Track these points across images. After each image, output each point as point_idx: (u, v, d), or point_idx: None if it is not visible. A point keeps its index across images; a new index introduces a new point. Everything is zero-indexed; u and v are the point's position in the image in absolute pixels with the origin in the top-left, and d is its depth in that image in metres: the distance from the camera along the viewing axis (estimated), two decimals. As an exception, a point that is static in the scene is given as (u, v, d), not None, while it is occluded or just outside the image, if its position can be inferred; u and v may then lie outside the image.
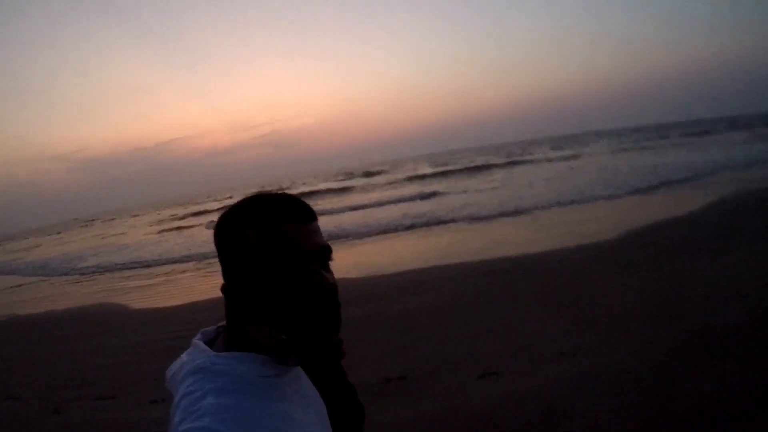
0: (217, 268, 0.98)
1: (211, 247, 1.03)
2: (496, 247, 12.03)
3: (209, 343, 0.95)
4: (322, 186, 45.39)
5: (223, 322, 0.98)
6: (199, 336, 0.97)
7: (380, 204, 25.59)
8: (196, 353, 0.91)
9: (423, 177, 38.97)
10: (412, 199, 25.91)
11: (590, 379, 4.51)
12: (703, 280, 6.89)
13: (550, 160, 40.64)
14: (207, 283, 13.50)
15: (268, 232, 0.90)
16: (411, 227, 17.04)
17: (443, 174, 38.75)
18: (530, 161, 42.70)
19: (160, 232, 32.98)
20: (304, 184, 59.11)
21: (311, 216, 0.96)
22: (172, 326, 8.76)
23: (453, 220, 17.22)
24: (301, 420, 0.89)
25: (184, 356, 0.93)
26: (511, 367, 5.09)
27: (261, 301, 0.89)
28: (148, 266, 18.45)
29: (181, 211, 50.04)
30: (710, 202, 13.59)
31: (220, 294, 0.96)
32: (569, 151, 51.73)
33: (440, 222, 17.19)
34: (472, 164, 46.05)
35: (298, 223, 0.93)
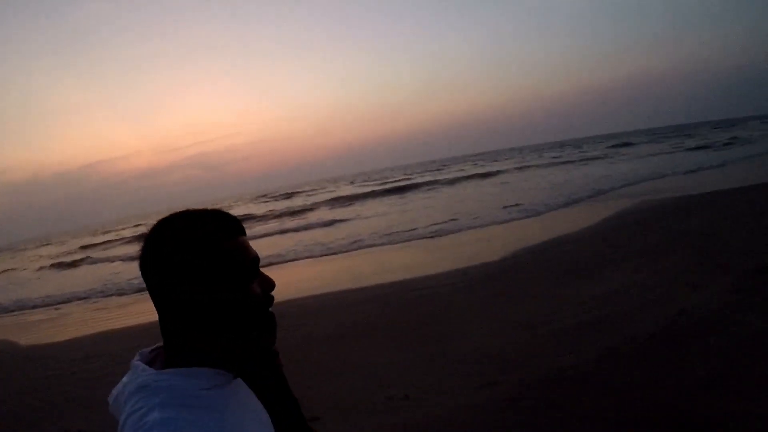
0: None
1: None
2: (383, 273, 11.49)
3: (148, 363, 0.96)
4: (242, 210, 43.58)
5: (159, 344, 1.00)
6: (137, 357, 0.98)
7: (282, 231, 24.53)
8: (136, 373, 0.93)
9: (336, 200, 37.40)
10: (313, 227, 24.72)
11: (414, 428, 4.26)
12: (572, 310, 6.59)
13: (466, 178, 40.06)
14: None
15: (211, 248, 0.93)
16: (308, 257, 16.30)
17: (356, 197, 37.18)
18: (434, 184, 40.56)
19: (52, 266, 30.59)
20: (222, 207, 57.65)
21: (242, 229, 1.01)
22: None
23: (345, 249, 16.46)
24: (243, 428, 0.94)
25: (124, 379, 0.94)
26: (330, 414, 4.75)
27: (198, 315, 0.92)
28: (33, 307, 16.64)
29: (89, 240, 47.19)
30: (606, 218, 13.58)
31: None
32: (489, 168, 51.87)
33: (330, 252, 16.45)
34: (387, 185, 44.83)
35: (235, 236, 0.97)
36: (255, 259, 0.99)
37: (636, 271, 7.71)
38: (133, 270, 22.51)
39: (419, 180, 45.40)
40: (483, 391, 4.73)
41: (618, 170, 28.57)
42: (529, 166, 45.07)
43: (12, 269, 35.99)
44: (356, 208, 29.96)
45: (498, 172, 41.89)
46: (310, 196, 52.67)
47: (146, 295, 0.99)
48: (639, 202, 15.32)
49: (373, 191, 38.79)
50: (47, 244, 65.00)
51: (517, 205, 18.86)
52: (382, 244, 15.62)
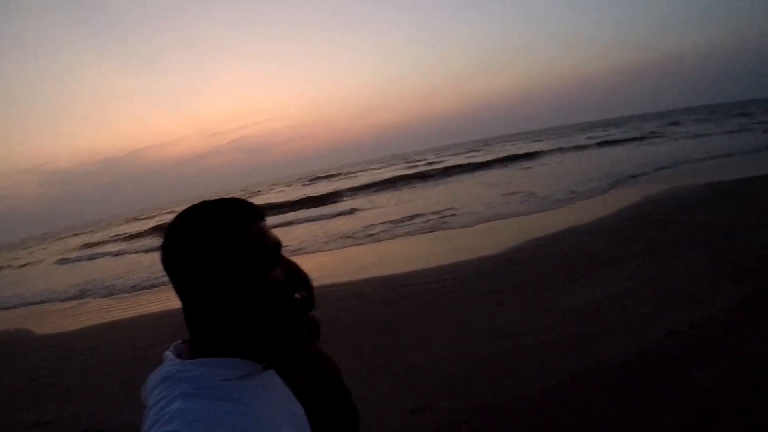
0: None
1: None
2: (377, 266, 11.00)
3: (178, 355, 0.97)
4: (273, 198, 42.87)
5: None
6: (170, 349, 0.99)
7: (285, 224, 23.61)
8: (164, 364, 0.94)
9: (362, 187, 35.87)
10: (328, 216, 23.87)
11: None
12: (552, 321, 5.84)
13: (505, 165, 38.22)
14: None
15: (228, 236, 0.93)
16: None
17: (378, 184, 35.36)
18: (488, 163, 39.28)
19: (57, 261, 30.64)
20: (258, 192, 59.35)
21: (259, 215, 1.00)
22: None
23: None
24: (267, 420, 0.92)
25: (156, 370, 0.95)
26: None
27: (220, 305, 0.93)
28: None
29: (127, 229, 47.48)
30: (623, 207, 12.48)
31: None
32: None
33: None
34: (411, 170, 43.50)
35: (252, 223, 0.97)
36: (275, 244, 0.99)
37: (635, 276, 6.81)
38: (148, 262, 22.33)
39: (447, 164, 43.73)
40: (412, 417, 4.14)
41: (656, 152, 26.98)
42: (563, 148, 42.94)
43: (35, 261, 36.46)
44: (376, 197, 28.82)
45: (535, 154, 39.86)
46: (333, 181, 52.19)
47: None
48: (666, 189, 14.13)
49: (395, 177, 37.32)
50: (89, 231, 65.97)
51: (532, 194, 17.74)
52: (388, 237, 14.86)
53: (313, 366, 1.19)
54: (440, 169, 37.72)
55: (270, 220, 1.03)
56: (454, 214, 16.45)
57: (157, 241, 28.45)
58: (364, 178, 44.65)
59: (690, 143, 29.71)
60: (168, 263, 0.96)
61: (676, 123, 60.12)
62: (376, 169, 62.66)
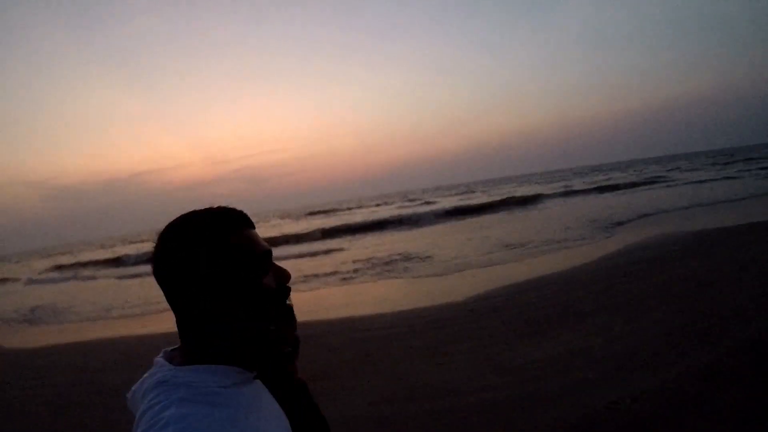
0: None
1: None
2: (342, 307, 10.55)
3: (169, 361, 0.96)
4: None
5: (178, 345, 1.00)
6: (160, 355, 0.98)
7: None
8: (156, 370, 0.94)
9: (339, 228, 34.36)
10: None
11: None
12: (494, 380, 5.38)
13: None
14: None
15: (217, 243, 0.93)
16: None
17: (357, 228, 33.47)
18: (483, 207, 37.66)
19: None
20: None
21: (250, 223, 1.01)
22: None
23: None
24: (260, 427, 0.92)
25: (145, 375, 0.95)
26: None
27: (220, 311, 0.92)
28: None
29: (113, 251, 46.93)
30: (603, 256, 11.89)
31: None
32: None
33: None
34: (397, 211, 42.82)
35: (241, 229, 0.97)
36: (266, 251, 0.98)
37: (596, 333, 6.25)
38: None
39: (442, 205, 42.97)
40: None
41: (649, 197, 26.46)
42: (564, 192, 42.43)
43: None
44: (363, 237, 28.08)
45: (532, 198, 38.91)
46: (327, 217, 51.85)
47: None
48: (652, 236, 13.56)
49: (386, 218, 35.97)
50: (82, 250, 65.39)
51: (511, 242, 17.15)
52: (358, 279, 14.32)
53: (289, 378, 1.20)
54: (433, 211, 36.78)
55: None
56: (429, 258, 15.94)
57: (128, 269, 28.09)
58: (357, 216, 44.17)
59: (685, 189, 29.23)
60: (158, 269, 0.96)
61: (676, 168, 59.74)
62: (373, 205, 62.30)
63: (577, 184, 50.77)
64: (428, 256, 16.40)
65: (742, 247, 9.84)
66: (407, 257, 16.91)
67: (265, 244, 1.00)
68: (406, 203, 56.51)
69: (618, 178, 53.22)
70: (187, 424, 0.82)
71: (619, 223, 18.10)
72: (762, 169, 37.90)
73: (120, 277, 24.54)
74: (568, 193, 40.90)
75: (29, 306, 18.34)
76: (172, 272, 0.94)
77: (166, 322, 11.12)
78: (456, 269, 13.46)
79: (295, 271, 17.14)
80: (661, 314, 6.53)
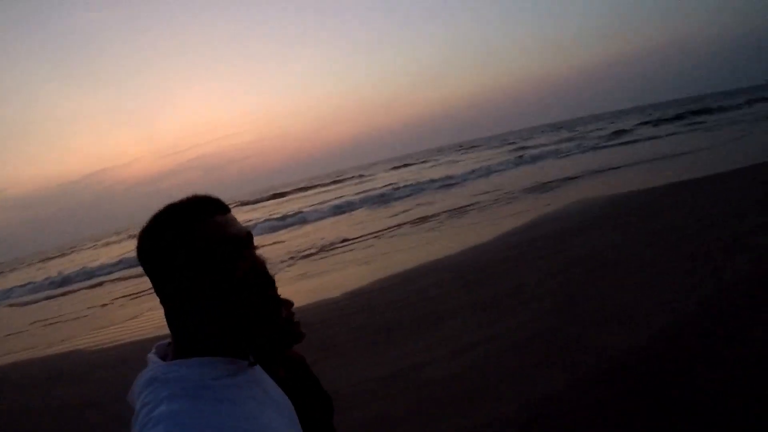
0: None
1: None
2: None
3: (163, 357, 0.98)
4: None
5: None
6: (153, 350, 0.99)
7: None
8: (148, 366, 0.95)
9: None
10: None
11: None
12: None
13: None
14: None
15: (205, 227, 0.93)
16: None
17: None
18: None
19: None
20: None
21: (225, 208, 1.00)
22: None
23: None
24: (258, 415, 0.92)
25: (140, 373, 0.95)
26: None
27: (202, 300, 0.92)
28: None
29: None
30: (510, 230, 10.74)
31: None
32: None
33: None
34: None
35: (224, 213, 0.98)
36: (237, 235, 0.96)
37: (445, 341, 5.28)
38: None
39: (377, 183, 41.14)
40: None
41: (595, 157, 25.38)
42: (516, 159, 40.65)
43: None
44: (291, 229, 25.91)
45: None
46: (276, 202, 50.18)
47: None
48: (570, 203, 12.45)
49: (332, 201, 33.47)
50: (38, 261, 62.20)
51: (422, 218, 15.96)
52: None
53: (287, 358, 1.23)
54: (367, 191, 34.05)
55: None
56: (335, 248, 14.70)
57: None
58: (304, 201, 42.12)
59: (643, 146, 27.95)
60: (142, 261, 0.97)
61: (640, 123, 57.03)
62: (321, 186, 60.24)
63: (532, 146, 49.24)
64: (343, 245, 15.13)
65: (657, 215, 8.79)
66: (320, 247, 15.58)
67: (239, 228, 0.98)
68: (351, 182, 54.57)
69: (575, 136, 51.39)
70: (179, 421, 0.82)
71: (547, 188, 17.02)
72: (716, 123, 36.50)
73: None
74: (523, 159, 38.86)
75: None
76: (153, 264, 0.95)
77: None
78: (351, 257, 12.33)
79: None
80: (530, 314, 5.48)
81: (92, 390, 6.67)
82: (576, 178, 18.04)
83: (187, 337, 0.94)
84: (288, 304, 1.29)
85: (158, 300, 0.98)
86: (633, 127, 43.69)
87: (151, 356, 0.97)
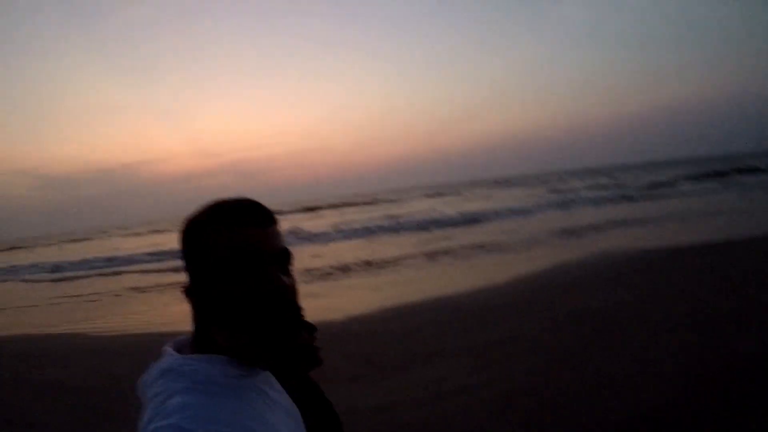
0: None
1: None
2: None
3: (178, 350, 0.98)
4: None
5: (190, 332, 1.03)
6: (169, 343, 1.01)
7: None
8: (163, 358, 0.96)
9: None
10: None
11: None
12: None
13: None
14: None
15: (229, 236, 0.94)
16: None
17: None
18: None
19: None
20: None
21: (271, 220, 0.99)
22: None
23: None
24: (266, 417, 0.93)
25: (153, 364, 0.96)
26: None
27: (222, 304, 0.94)
28: None
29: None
30: (523, 275, 10.45)
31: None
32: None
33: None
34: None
35: (258, 227, 0.96)
36: (281, 250, 0.97)
37: (428, 383, 5.09)
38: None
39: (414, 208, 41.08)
40: None
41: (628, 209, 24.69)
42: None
43: None
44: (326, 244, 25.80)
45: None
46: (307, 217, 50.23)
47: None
48: (592, 253, 12.05)
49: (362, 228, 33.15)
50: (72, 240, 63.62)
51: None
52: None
53: (301, 376, 1.23)
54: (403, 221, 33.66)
55: None
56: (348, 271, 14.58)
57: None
58: (332, 218, 42.05)
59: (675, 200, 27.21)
60: (182, 252, 0.99)
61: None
62: (353, 204, 60.22)
63: (567, 189, 48.62)
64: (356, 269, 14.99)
65: (679, 276, 8.39)
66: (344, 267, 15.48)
67: (277, 244, 0.97)
68: (380, 206, 54.25)
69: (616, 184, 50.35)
70: (192, 413, 0.83)
71: (575, 234, 16.58)
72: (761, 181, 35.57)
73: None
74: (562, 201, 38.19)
75: None
76: (186, 263, 0.97)
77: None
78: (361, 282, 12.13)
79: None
80: (522, 367, 5.24)
81: (77, 374, 6.76)
82: (606, 227, 17.48)
83: (205, 335, 0.96)
84: (311, 328, 1.25)
85: (182, 294, 0.99)
86: (671, 179, 42.68)
87: (167, 348, 0.98)
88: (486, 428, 4.02)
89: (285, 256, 0.97)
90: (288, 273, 0.98)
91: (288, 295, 0.95)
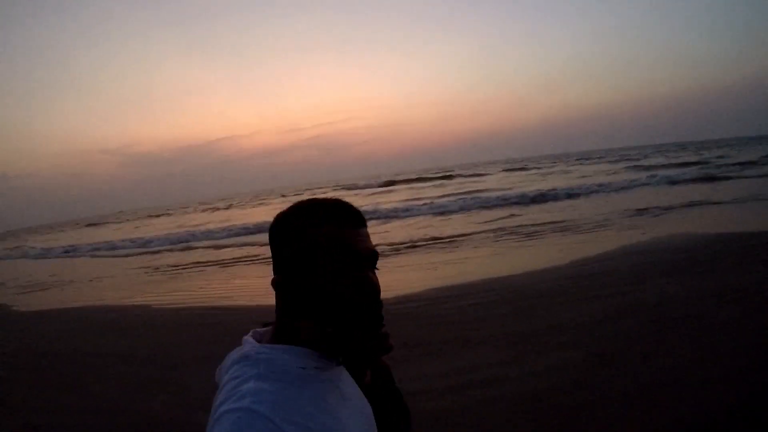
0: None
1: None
2: None
3: (258, 340, 1.02)
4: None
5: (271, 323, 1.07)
6: (250, 333, 1.05)
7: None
8: (243, 346, 1.00)
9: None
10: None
11: None
12: None
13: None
14: None
15: (329, 234, 0.97)
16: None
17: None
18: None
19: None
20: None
21: (363, 222, 1.04)
22: None
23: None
24: (338, 412, 0.95)
25: (233, 350, 1.01)
26: None
27: (313, 298, 0.96)
28: None
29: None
30: (593, 256, 9.92)
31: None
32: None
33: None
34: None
35: (353, 227, 1.01)
36: (372, 252, 1.01)
37: (459, 370, 4.96)
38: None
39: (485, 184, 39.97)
40: None
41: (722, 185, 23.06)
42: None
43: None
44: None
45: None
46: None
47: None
48: (674, 234, 11.29)
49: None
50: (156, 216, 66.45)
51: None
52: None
53: (375, 366, 1.25)
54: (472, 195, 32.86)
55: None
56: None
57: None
58: (406, 194, 41.81)
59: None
60: (274, 242, 1.03)
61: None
62: (433, 179, 59.42)
63: (650, 165, 46.19)
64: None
65: (756, 266, 7.73)
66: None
67: (366, 245, 1.01)
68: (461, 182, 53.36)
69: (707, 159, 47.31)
70: (264, 398, 0.86)
71: (650, 214, 15.67)
72: None
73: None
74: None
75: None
76: (274, 250, 1.02)
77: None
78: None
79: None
80: (559, 361, 5.06)
81: (139, 346, 7.16)
82: (682, 207, 16.46)
83: (287, 326, 0.99)
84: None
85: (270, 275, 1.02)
86: (762, 157, 39.56)
87: (247, 338, 1.02)
88: (504, 429, 3.86)
89: (375, 258, 1.02)
90: (374, 273, 1.02)
91: (377, 294, 0.98)
